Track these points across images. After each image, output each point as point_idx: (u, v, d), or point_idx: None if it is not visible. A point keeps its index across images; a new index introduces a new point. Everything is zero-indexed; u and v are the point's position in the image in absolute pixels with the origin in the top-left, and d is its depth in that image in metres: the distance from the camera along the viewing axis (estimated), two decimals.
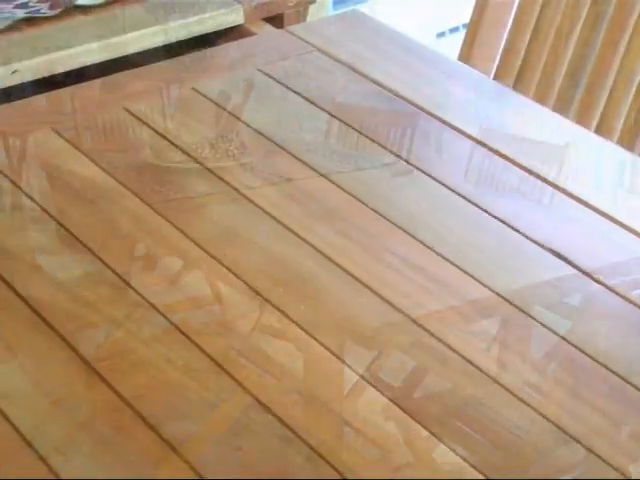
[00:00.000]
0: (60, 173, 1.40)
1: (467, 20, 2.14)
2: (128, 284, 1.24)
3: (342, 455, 1.06)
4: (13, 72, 1.97)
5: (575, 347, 1.19)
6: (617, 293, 1.27)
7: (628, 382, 1.16)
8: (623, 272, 1.30)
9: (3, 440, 1.07)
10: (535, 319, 1.23)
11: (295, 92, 1.61)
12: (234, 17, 2.20)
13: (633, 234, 1.36)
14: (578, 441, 1.09)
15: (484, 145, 1.50)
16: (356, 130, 1.53)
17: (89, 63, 2.08)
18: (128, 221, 1.32)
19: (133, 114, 1.52)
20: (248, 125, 1.51)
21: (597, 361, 1.18)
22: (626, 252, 1.33)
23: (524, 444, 1.08)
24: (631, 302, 1.25)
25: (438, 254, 1.30)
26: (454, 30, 3.30)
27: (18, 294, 1.23)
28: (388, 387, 1.13)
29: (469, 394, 1.13)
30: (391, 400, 1.13)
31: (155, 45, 2.15)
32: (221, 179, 1.41)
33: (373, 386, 1.14)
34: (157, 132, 1.48)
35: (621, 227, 1.37)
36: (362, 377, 1.15)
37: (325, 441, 1.07)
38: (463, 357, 1.17)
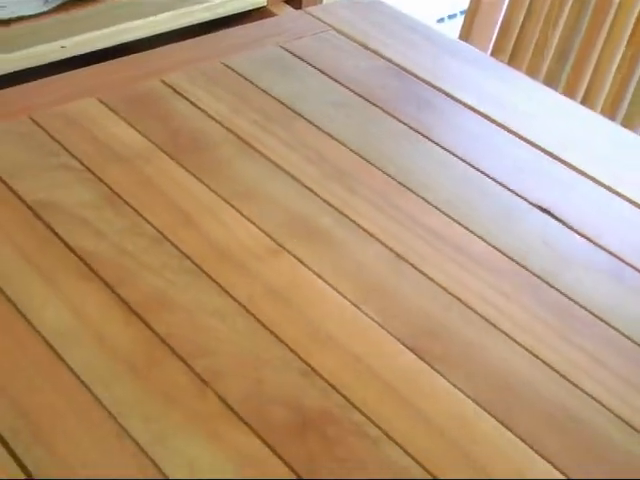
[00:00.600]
0: (103, 137, 1.40)
1: (465, 7, 2.17)
2: (164, 236, 1.24)
3: (354, 387, 1.06)
4: (62, 47, 2.00)
5: (563, 294, 1.19)
6: (600, 246, 1.27)
7: (611, 326, 1.16)
8: (606, 229, 1.29)
9: (55, 369, 1.07)
10: (526, 268, 1.22)
11: (313, 67, 1.60)
12: None
13: (615, 194, 1.35)
14: (564, 377, 1.09)
15: (480, 113, 1.50)
16: (368, 101, 1.52)
17: (126, 40, 2.11)
18: (164, 180, 1.32)
19: (168, 85, 1.52)
20: (272, 96, 1.51)
21: (584, 307, 1.17)
22: (609, 210, 1.33)
23: (516, 381, 1.08)
24: (612, 254, 1.25)
25: (439, 210, 1.32)
26: (452, 17, 3.35)
27: (66, 244, 1.23)
28: (397, 329, 1.13)
29: (470, 337, 1.13)
30: (398, 340, 1.12)
31: (184, 25, 2.19)
32: (247, 143, 1.41)
33: (384, 328, 1.14)
34: (189, 101, 1.48)
35: (604, 188, 1.37)
36: (373, 319, 1.15)
37: (340, 376, 1.07)
38: (464, 303, 1.17)
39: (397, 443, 1.03)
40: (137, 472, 0.98)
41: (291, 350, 1.12)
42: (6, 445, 1.01)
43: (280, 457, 1.01)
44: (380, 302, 1.19)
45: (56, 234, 1.27)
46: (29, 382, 1.07)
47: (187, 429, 1.03)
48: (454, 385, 1.09)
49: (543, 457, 1.02)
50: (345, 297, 1.20)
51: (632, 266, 1.26)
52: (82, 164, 1.39)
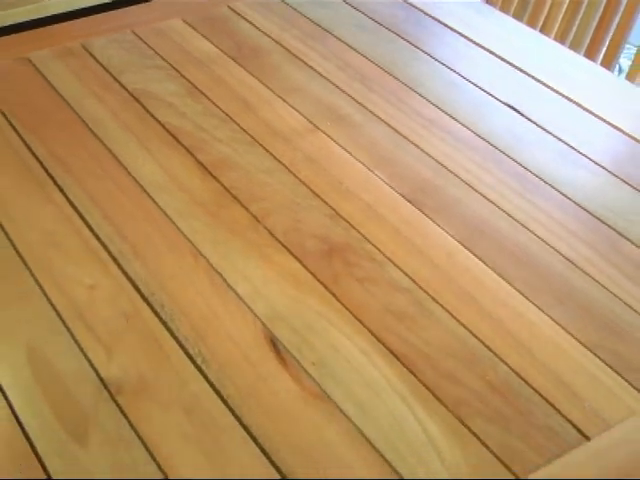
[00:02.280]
0: (185, 47, 1.39)
1: None
2: (230, 118, 1.24)
3: (367, 226, 1.07)
4: None
5: (520, 165, 1.18)
6: (550, 133, 1.24)
7: (555, 189, 1.14)
8: (557, 121, 1.27)
9: (149, 208, 1.06)
10: (495, 147, 1.21)
11: (343, 0, 1.57)
12: None
13: (566, 99, 1.33)
14: (523, 225, 1.08)
15: (463, 35, 1.47)
16: (382, 25, 1.50)
17: None
18: (230, 78, 1.31)
19: (234, 10, 1.49)
20: (311, 20, 1.49)
21: (536, 175, 1.16)
22: (560, 109, 1.30)
23: (487, 227, 1.07)
24: (560, 140, 1.23)
25: (433, 104, 1.32)
26: None
27: (157, 121, 1.22)
28: (400, 187, 1.13)
29: (453, 194, 1.12)
30: (401, 194, 1.12)
31: None
32: (292, 54, 1.40)
33: (390, 186, 1.13)
34: (250, 22, 1.47)
35: (558, 94, 1.34)
36: (382, 180, 1.14)
37: (357, 218, 1.09)
38: (450, 170, 1.17)
39: (399, 267, 1.02)
40: (208, 283, 0.98)
41: (321, 199, 1.11)
42: (116, 261, 1.00)
43: (313, 274, 1.00)
44: (387, 168, 1.17)
45: (150, 113, 1.26)
46: (130, 216, 1.07)
47: (245, 252, 1.02)
48: (442, 228, 1.07)
49: (507, 282, 1.01)
50: (362, 163, 1.18)
51: (574, 149, 1.23)
52: (170, 65, 1.37)
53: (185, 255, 1.01)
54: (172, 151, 1.18)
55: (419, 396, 0.86)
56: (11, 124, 1.22)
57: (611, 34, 1.91)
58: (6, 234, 1.04)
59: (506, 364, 0.90)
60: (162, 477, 0.78)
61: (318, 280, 0.98)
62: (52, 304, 0.94)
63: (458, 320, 0.95)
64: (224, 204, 1.09)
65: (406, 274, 1.00)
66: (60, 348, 0.90)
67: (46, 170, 1.14)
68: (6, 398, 0.84)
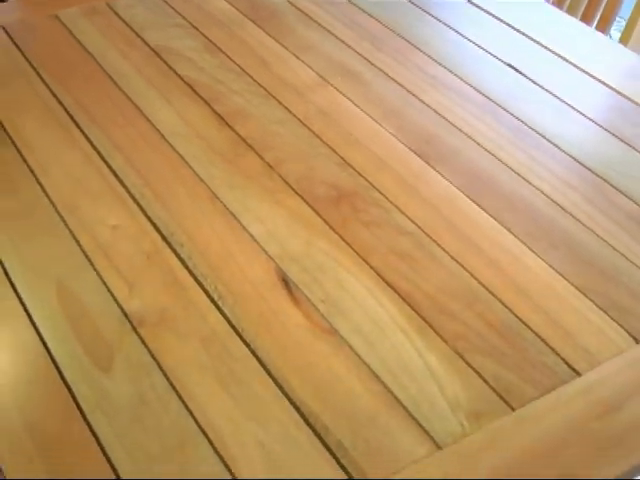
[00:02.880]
0: (205, 7, 1.37)
1: None
2: (246, 72, 1.23)
3: (374, 175, 1.06)
4: None
5: (517, 118, 1.16)
6: (547, 90, 1.23)
7: (550, 142, 1.13)
8: (554, 79, 1.25)
9: (168, 154, 1.05)
10: (495, 102, 1.19)
11: None
12: None
13: (563, 60, 1.30)
14: (518, 174, 1.06)
15: (474, 4, 1.44)
16: None
17: None
18: (247, 36, 1.31)
19: None
20: None
21: (532, 128, 1.15)
22: (557, 68, 1.28)
23: (485, 175, 1.05)
24: (556, 96, 1.21)
25: (437, 63, 1.29)
26: None
27: (177, 74, 1.20)
28: (406, 140, 1.11)
29: (455, 145, 1.10)
30: (407, 146, 1.11)
31: None
32: (307, 15, 1.38)
33: (397, 138, 1.12)
34: None
35: (556, 55, 1.32)
36: (389, 132, 1.12)
37: (364, 167, 1.08)
38: (452, 123, 1.15)
39: (403, 213, 1.01)
40: (224, 224, 0.97)
41: (331, 149, 1.10)
42: (138, 203, 0.99)
43: (322, 218, 0.99)
44: (394, 121, 1.16)
45: (170, 67, 1.24)
46: (151, 162, 1.06)
47: (259, 197, 1.01)
48: (444, 177, 1.06)
49: (505, 228, 1.00)
50: (370, 116, 1.16)
51: (570, 106, 1.21)
52: (190, 24, 1.35)
53: (203, 199, 1.00)
54: (191, 102, 1.16)
55: (420, 331, 0.85)
56: (40, 76, 1.21)
57: (602, 8, 1.88)
58: (35, 176, 1.03)
59: (503, 304, 0.89)
60: (181, 403, 0.77)
61: (327, 224, 0.97)
62: (78, 243, 0.94)
63: (458, 262, 0.94)
64: (240, 152, 1.08)
65: (410, 219, 0.99)
66: (86, 284, 0.89)
67: (72, 118, 1.13)
68: (36, 330, 0.84)
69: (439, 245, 0.95)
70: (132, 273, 0.89)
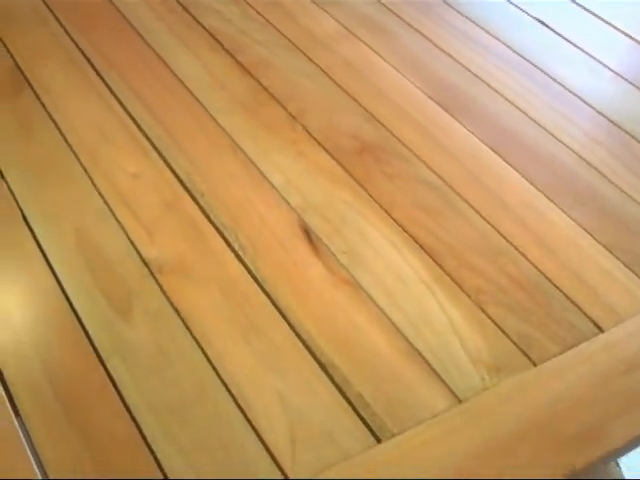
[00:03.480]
0: None
1: None
2: (270, 23, 1.22)
3: (398, 127, 1.06)
4: None
5: (549, 77, 1.14)
6: (580, 48, 1.20)
7: (582, 100, 1.10)
8: (587, 38, 1.22)
9: (192, 104, 1.03)
10: (526, 59, 1.16)
11: None
12: None
13: (599, 19, 1.27)
14: (545, 129, 1.04)
15: None
16: None
17: None
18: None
19: None
20: None
21: (562, 85, 1.12)
22: (589, 26, 1.25)
23: (511, 130, 1.03)
24: (589, 55, 1.18)
25: (469, 19, 1.24)
26: None
27: (202, 26, 1.19)
28: (430, 90, 1.09)
29: (484, 101, 1.08)
30: (432, 99, 1.08)
31: None
32: None
33: (419, 89, 1.10)
34: None
35: (591, 14, 1.29)
36: (414, 84, 1.11)
37: (388, 119, 1.07)
38: (483, 80, 1.12)
39: (427, 166, 0.99)
40: (246, 175, 0.95)
41: (356, 101, 1.08)
42: (159, 152, 0.98)
43: (345, 170, 0.97)
44: (420, 74, 1.14)
45: (195, 19, 1.23)
46: (173, 112, 1.05)
47: (282, 148, 1.00)
48: (469, 130, 1.04)
49: (530, 183, 0.98)
50: (396, 69, 1.15)
51: (600, 62, 1.18)
52: None
53: (224, 149, 0.98)
54: (214, 53, 1.15)
55: (443, 285, 0.84)
56: (62, 25, 1.19)
57: None
58: (55, 124, 1.01)
59: (527, 259, 0.87)
60: (200, 353, 0.76)
61: (350, 175, 0.95)
62: (98, 191, 0.92)
63: (482, 216, 0.92)
64: (262, 102, 1.06)
65: (434, 172, 0.97)
66: (105, 231, 0.88)
67: (93, 66, 1.11)
68: (55, 276, 0.83)
69: (463, 199, 0.93)
70: (152, 221, 0.88)
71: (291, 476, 0.68)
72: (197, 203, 0.91)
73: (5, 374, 0.74)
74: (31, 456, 0.68)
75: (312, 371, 0.75)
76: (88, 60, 1.11)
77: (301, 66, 1.12)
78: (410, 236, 0.89)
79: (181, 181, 0.93)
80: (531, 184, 0.96)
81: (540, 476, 0.69)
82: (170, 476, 0.67)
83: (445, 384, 0.75)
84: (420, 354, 0.77)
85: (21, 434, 0.69)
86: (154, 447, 0.69)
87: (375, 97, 1.08)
